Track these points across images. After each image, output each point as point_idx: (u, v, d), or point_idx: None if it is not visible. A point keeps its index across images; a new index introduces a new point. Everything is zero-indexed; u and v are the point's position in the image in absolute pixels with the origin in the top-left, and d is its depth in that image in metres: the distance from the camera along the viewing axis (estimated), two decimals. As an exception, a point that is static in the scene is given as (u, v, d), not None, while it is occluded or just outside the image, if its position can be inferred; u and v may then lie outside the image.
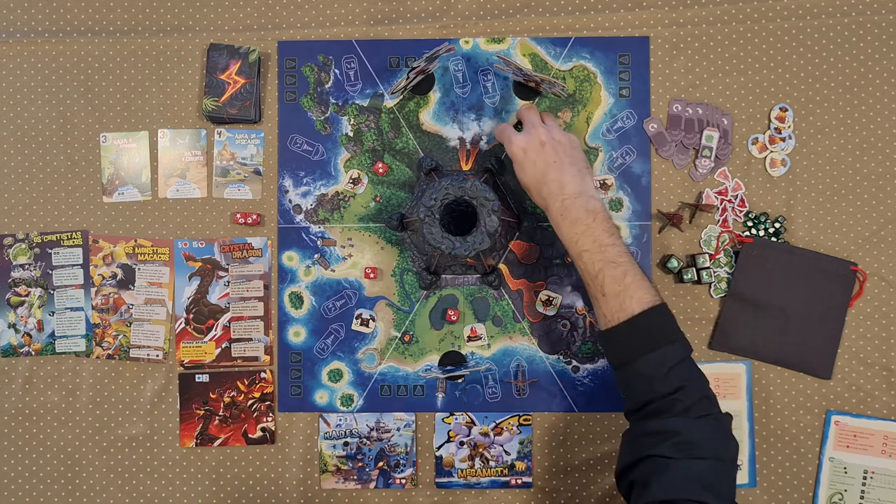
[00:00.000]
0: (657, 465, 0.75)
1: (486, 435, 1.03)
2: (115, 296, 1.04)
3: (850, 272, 1.00)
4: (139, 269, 1.04)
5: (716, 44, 1.04)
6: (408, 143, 1.04)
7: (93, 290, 1.04)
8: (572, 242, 0.86)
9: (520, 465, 1.02)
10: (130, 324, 1.03)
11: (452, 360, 1.03)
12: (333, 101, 1.04)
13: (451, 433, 1.03)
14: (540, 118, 0.94)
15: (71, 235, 1.04)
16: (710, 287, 1.02)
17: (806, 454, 1.01)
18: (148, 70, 1.05)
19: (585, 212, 0.86)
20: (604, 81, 1.04)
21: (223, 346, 1.03)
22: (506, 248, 1.03)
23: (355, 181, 1.04)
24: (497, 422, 1.02)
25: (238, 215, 1.03)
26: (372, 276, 1.03)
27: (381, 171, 1.04)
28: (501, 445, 1.02)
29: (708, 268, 1.01)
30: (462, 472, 1.02)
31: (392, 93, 1.03)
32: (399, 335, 1.03)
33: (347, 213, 1.04)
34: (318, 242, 1.04)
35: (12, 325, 1.04)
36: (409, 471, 1.02)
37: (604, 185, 1.03)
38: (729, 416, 0.80)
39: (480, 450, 1.02)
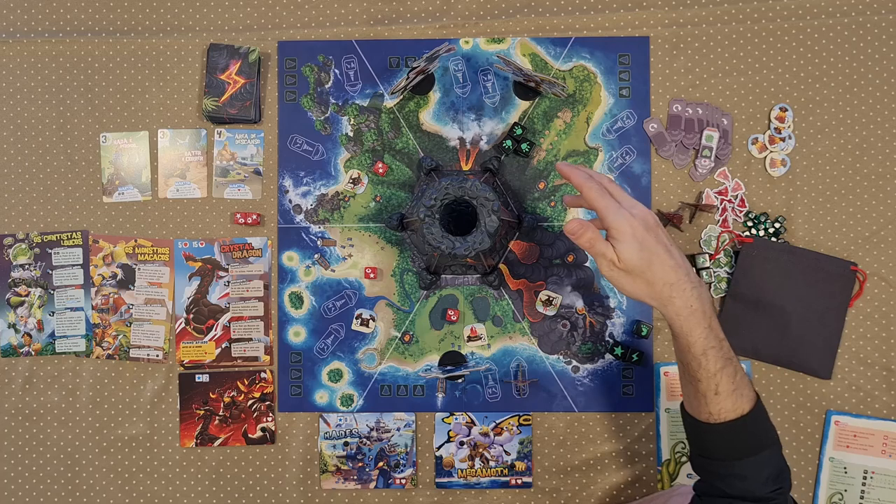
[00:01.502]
0: None
1: (486, 435, 1.03)
2: (115, 296, 1.04)
3: (850, 272, 1.00)
4: (139, 269, 1.04)
5: (716, 44, 1.04)
6: (408, 143, 1.04)
7: (93, 290, 1.04)
8: (699, 338, 0.74)
9: (520, 465, 1.02)
10: (130, 324, 1.03)
11: (452, 360, 1.03)
12: (333, 101, 1.05)
13: (451, 433, 1.03)
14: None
15: (71, 235, 1.04)
16: (710, 287, 1.02)
17: (806, 454, 1.01)
18: (148, 70, 1.05)
19: (709, 303, 0.76)
20: (604, 81, 1.04)
21: (223, 346, 1.03)
22: (506, 248, 1.03)
23: (355, 181, 1.04)
24: (497, 422, 1.02)
25: (238, 215, 1.03)
26: (372, 276, 1.03)
27: (381, 171, 1.04)
28: (501, 445, 1.02)
29: (708, 268, 1.01)
30: (462, 472, 1.02)
31: (392, 93, 1.03)
32: (399, 335, 1.03)
33: (347, 213, 1.04)
34: (318, 242, 1.04)
35: (12, 325, 1.04)
36: (409, 471, 1.02)
37: (604, 185, 1.03)
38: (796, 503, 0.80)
39: (480, 450, 1.02)
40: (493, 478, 1.02)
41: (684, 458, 1.01)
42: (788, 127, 1.02)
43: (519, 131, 1.02)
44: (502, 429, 1.02)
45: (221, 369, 1.03)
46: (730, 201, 1.02)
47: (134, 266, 1.04)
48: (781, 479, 0.77)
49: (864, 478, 0.99)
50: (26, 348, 1.04)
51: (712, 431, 0.76)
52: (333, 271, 1.04)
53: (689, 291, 0.74)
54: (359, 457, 1.03)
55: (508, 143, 1.02)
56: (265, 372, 1.03)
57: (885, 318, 1.01)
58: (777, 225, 1.01)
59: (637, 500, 1.00)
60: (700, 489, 0.80)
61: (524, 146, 1.02)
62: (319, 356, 1.03)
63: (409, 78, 0.99)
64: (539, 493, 1.02)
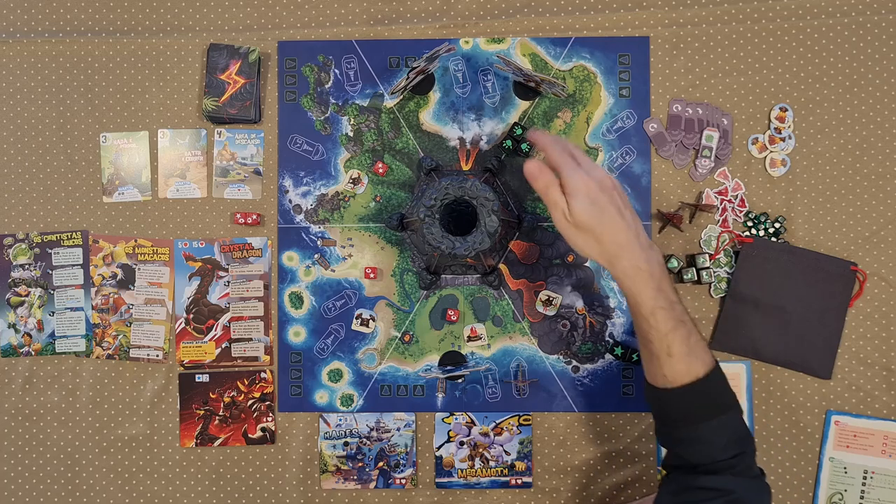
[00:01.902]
0: None
1: (486, 435, 1.03)
2: (115, 296, 1.04)
3: (850, 272, 1.00)
4: (139, 269, 1.04)
5: (716, 44, 1.04)
6: (408, 143, 1.04)
7: (93, 290, 1.04)
8: (647, 298, 0.77)
9: (520, 465, 1.02)
10: (130, 324, 1.03)
11: (452, 360, 1.03)
12: (333, 101, 1.05)
13: (451, 433, 1.03)
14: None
15: (71, 235, 1.04)
16: (710, 287, 1.02)
17: (806, 454, 1.01)
18: (148, 70, 1.05)
19: (658, 264, 0.79)
20: (604, 81, 1.04)
21: (223, 346, 1.03)
22: (506, 248, 1.03)
23: (355, 181, 1.04)
24: (497, 422, 1.02)
25: (238, 215, 1.03)
26: (372, 276, 1.03)
27: (381, 171, 1.04)
28: (501, 445, 1.02)
29: (708, 268, 1.01)
30: (462, 472, 1.02)
31: (392, 93, 1.03)
32: (399, 335, 1.03)
33: (347, 213, 1.04)
34: (318, 242, 1.04)
35: (12, 325, 1.04)
36: (409, 471, 1.02)
37: (604, 185, 1.03)
38: (763, 472, 0.81)
39: (480, 450, 1.02)
40: (493, 478, 1.02)
41: (684, 458, 1.01)
42: (788, 127, 1.02)
43: (519, 131, 1.02)
44: (502, 429, 1.02)
45: (221, 369, 1.03)
46: (730, 201, 1.02)
47: (134, 266, 1.04)
48: (743, 443, 0.78)
49: (864, 478, 0.99)
50: (26, 348, 1.04)
51: (669, 397, 0.78)
52: (333, 271, 1.04)
53: (638, 253, 0.78)
54: (359, 457, 1.03)
55: (508, 143, 1.02)
56: (265, 372, 1.03)
57: (885, 318, 1.01)
58: (777, 225, 1.01)
59: (637, 500, 1.00)
60: (667, 463, 0.82)
61: (524, 146, 1.02)
62: (319, 356, 1.03)
63: (409, 78, 0.99)
64: (539, 493, 1.02)
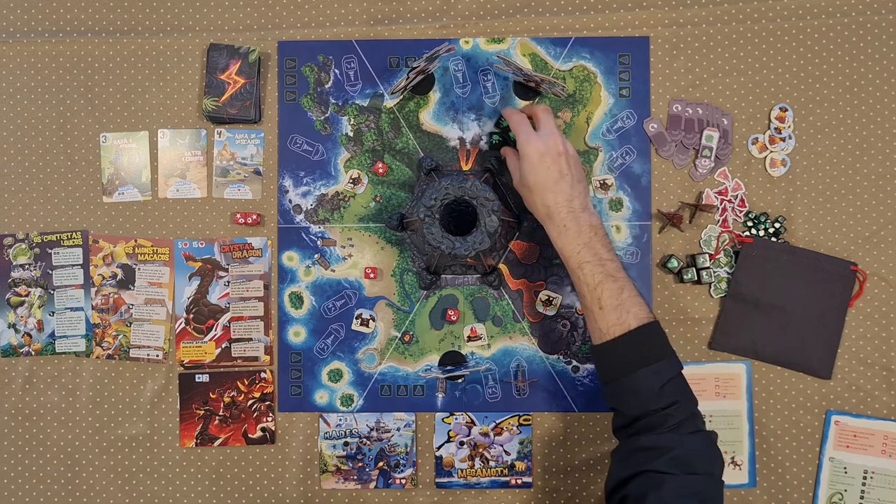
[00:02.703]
0: (653, 480, 0.76)
1: (486, 435, 1.03)
2: (115, 296, 1.04)
3: (850, 272, 1.00)
4: (139, 269, 1.04)
5: (716, 44, 1.04)
6: (408, 143, 1.04)
7: (93, 290, 1.04)
8: (573, 253, 0.86)
9: (520, 465, 1.02)
10: (130, 324, 1.03)
11: (452, 360, 1.03)
12: (333, 101, 1.05)
13: (451, 433, 1.03)
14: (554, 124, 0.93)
15: (71, 235, 1.04)
16: (710, 287, 1.02)
17: (806, 454, 1.01)
18: (148, 70, 1.05)
19: (589, 226, 0.87)
20: (604, 81, 1.04)
21: (223, 346, 1.03)
22: (506, 248, 1.03)
23: (355, 181, 1.04)
24: (497, 422, 1.02)
25: (238, 215, 1.03)
26: (372, 276, 1.03)
27: (381, 171, 1.04)
28: (501, 445, 1.02)
29: (708, 268, 1.01)
30: (462, 472, 1.02)
31: (392, 93, 1.03)
32: (399, 335, 1.03)
33: (347, 213, 1.04)
34: (318, 242, 1.04)
35: (12, 325, 1.04)
36: (409, 471, 1.02)
37: (604, 185, 1.03)
38: (715, 433, 0.82)
39: (480, 450, 1.02)
40: (493, 478, 1.02)
41: (684, 458, 1.01)
42: (788, 127, 1.02)
43: (505, 123, 1.02)
44: (502, 429, 1.02)
45: (221, 369, 1.03)
46: (730, 201, 1.02)
47: (134, 266, 1.04)
48: (677, 392, 0.81)
49: (864, 478, 0.99)
50: (26, 348, 1.04)
51: (605, 350, 0.84)
52: (333, 271, 1.04)
53: (564, 215, 0.87)
54: (359, 457, 1.03)
55: (496, 137, 1.02)
56: (265, 372, 1.03)
57: (885, 318, 1.01)
58: (777, 225, 1.01)
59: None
60: (614, 427, 0.86)
61: (511, 134, 1.01)
62: (319, 356, 1.03)
63: (409, 78, 0.99)
64: (539, 493, 1.02)
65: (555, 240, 0.88)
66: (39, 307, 1.04)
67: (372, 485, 1.02)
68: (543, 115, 0.92)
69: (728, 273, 1.02)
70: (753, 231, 1.02)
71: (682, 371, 0.83)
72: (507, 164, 0.94)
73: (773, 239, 1.01)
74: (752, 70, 1.03)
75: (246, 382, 1.03)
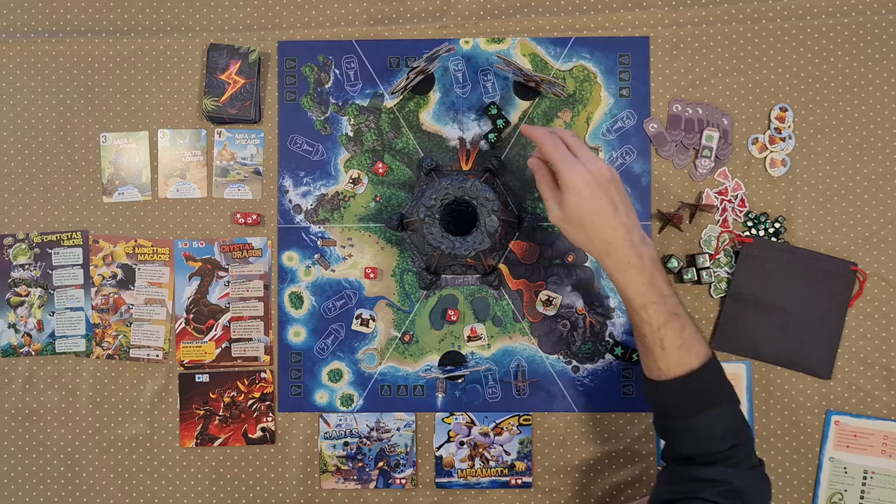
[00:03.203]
0: None
1: (486, 435, 1.03)
2: (115, 296, 1.04)
3: (850, 272, 1.00)
4: (139, 269, 1.04)
5: (716, 44, 1.04)
6: (408, 143, 1.04)
7: (93, 290, 1.04)
8: (637, 294, 0.78)
9: (520, 465, 1.02)
10: (130, 324, 1.03)
11: (452, 360, 1.03)
12: (333, 101, 1.05)
13: (451, 433, 1.03)
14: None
15: (71, 235, 1.04)
16: (710, 287, 1.02)
17: (806, 454, 1.01)
18: (148, 70, 1.05)
19: (651, 260, 0.79)
20: (604, 81, 1.04)
21: (223, 346, 1.03)
22: (506, 248, 1.03)
23: (355, 181, 1.04)
24: (497, 422, 1.02)
25: (238, 215, 1.03)
26: (372, 276, 1.03)
27: (381, 171, 1.04)
28: (501, 445, 1.02)
29: (708, 268, 1.01)
30: (462, 472, 1.02)
31: (392, 93, 1.03)
32: (399, 335, 1.03)
33: (347, 213, 1.04)
34: (318, 242, 1.04)
35: (12, 325, 1.04)
36: (409, 471, 1.02)
37: (604, 185, 1.03)
38: (763, 462, 0.81)
39: (480, 450, 1.02)
40: (493, 478, 1.02)
41: (684, 458, 1.01)
42: (788, 127, 1.02)
43: (494, 110, 1.02)
44: (502, 429, 1.02)
45: (221, 369, 1.03)
46: (730, 201, 1.02)
47: (134, 266, 1.04)
48: (739, 435, 0.78)
49: (864, 478, 0.99)
50: (26, 348, 1.04)
51: (664, 389, 0.79)
52: (333, 271, 1.04)
53: (627, 250, 0.78)
54: (359, 457, 1.03)
55: (492, 136, 1.02)
56: (265, 372, 1.03)
57: (885, 318, 1.01)
58: (777, 225, 1.01)
59: (637, 500, 1.00)
60: (665, 454, 0.82)
61: (499, 122, 1.01)
62: (319, 356, 1.03)
63: (409, 78, 0.99)
64: (539, 493, 1.02)
65: (616, 278, 0.80)
66: (39, 307, 1.04)
67: (372, 485, 1.02)
68: (574, 140, 0.82)
69: (728, 273, 1.02)
70: (753, 231, 1.02)
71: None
72: (542, 195, 0.83)
73: (773, 239, 1.01)
74: (752, 70, 1.03)
75: (246, 382, 1.03)
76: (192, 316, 1.03)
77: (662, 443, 0.99)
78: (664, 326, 0.77)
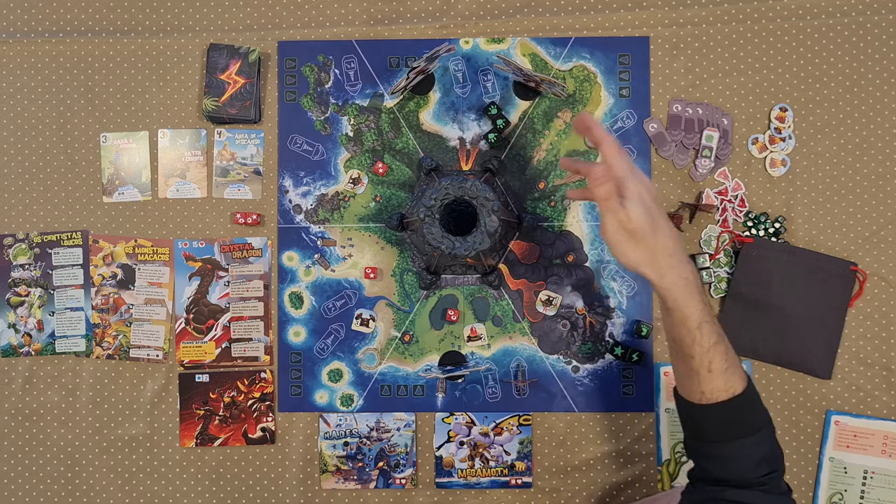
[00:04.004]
0: None
1: (486, 435, 1.03)
2: (115, 296, 1.04)
3: (850, 272, 1.00)
4: (139, 269, 1.04)
5: (716, 44, 1.04)
6: (408, 143, 1.04)
7: (93, 290, 1.04)
8: (696, 311, 0.73)
9: (520, 465, 1.02)
10: (130, 324, 1.03)
11: (452, 360, 1.03)
12: (333, 101, 1.05)
13: (451, 433, 1.03)
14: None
15: (71, 235, 1.04)
16: (710, 287, 1.02)
17: (806, 454, 1.01)
18: (148, 70, 1.05)
19: (698, 279, 0.75)
20: (604, 81, 1.04)
21: (223, 346, 1.03)
22: (506, 248, 1.03)
23: (355, 181, 1.04)
24: (497, 422, 1.02)
25: (238, 215, 1.03)
26: (372, 276, 1.03)
27: (381, 171, 1.04)
28: (501, 445, 1.02)
29: (708, 268, 1.01)
30: (462, 472, 1.02)
31: (392, 93, 1.03)
32: (399, 335, 1.03)
33: (347, 213, 1.04)
34: (318, 242, 1.04)
35: (12, 325, 1.04)
36: (409, 471, 1.02)
37: (604, 185, 1.03)
38: (791, 490, 0.79)
39: (480, 450, 1.02)
40: (493, 478, 1.02)
41: (684, 458, 1.01)
42: (788, 127, 1.02)
43: (494, 110, 1.02)
44: (502, 429, 1.02)
45: (221, 369, 1.03)
46: (730, 201, 1.02)
47: (134, 266, 1.04)
48: (774, 462, 0.76)
49: (864, 478, 0.99)
50: (26, 348, 1.04)
51: (705, 413, 0.76)
52: (333, 271, 1.04)
53: (686, 263, 0.74)
54: (359, 457, 1.03)
55: (493, 136, 1.02)
56: (265, 372, 1.03)
57: (885, 318, 1.01)
58: (777, 225, 1.01)
59: (637, 500, 1.00)
60: (693, 475, 0.80)
61: (499, 122, 1.01)
62: (319, 356, 1.03)
63: (409, 78, 0.99)
64: (539, 493, 1.02)
65: (675, 295, 0.74)
66: (39, 307, 1.04)
67: (372, 485, 1.02)
68: (611, 150, 0.75)
69: (728, 273, 1.02)
70: (753, 231, 1.02)
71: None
72: (604, 207, 0.74)
73: (773, 239, 1.01)
74: (752, 70, 1.03)
75: (246, 382, 1.03)
76: (192, 316, 1.03)
77: (661, 444, 0.99)
78: (714, 348, 0.74)
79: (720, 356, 0.74)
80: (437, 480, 1.02)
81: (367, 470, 1.02)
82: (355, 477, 1.03)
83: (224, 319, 1.03)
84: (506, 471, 1.02)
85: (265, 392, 1.03)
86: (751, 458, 0.75)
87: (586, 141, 1.04)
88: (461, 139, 1.04)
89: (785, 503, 0.77)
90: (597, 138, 0.76)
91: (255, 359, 1.03)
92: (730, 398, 0.74)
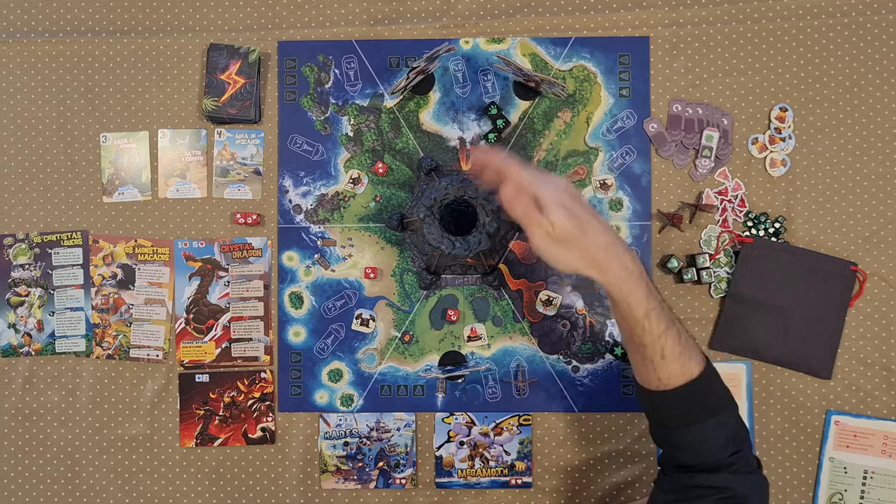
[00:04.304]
0: None
1: (486, 435, 1.03)
2: (115, 296, 1.04)
3: (850, 272, 1.00)
4: (139, 269, 1.04)
5: (716, 44, 1.04)
6: (408, 143, 1.04)
7: (93, 290, 1.04)
8: (641, 299, 0.73)
9: (520, 465, 1.02)
10: (130, 324, 1.03)
11: (452, 360, 1.03)
12: (333, 101, 1.05)
13: (451, 433, 1.03)
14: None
15: (71, 235, 1.04)
16: (710, 287, 1.02)
17: (806, 454, 1.01)
18: (148, 70, 1.05)
19: (641, 264, 0.75)
20: (604, 81, 1.04)
21: (223, 346, 1.03)
22: (506, 248, 1.03)
23: (355, 181, 1.04)
24: (497, 422, 1.02)
25: (238, 215, 1.03)
26: (372, 276, 1.03)
27: (381, 171, 1.04)
28: (501, 445, 1.02)
29: (708, 268, 1.01)
30: (462, 472, 1.02)
31: (392, 93, 1.03)
32: (399, 335, 1.03)
33: (347, 213, 1.04)
34: (318, 242, 1.04)
35: (12, 325, 1.04)
36: (409, 471, 1.02)
37: (604, 185, 1.03)
38: (760, 463, 0.79)
39: (480, 450, 1.02)
40: (493, 478, 1.02)
41: (684, 458, 1.01)
42: (788, 127, 1.02)
43: (494, 110, 1.02)
44: (502, 429, 1.02)
45: (221, 369, 1.03)
46: (730, 201, 1.02)
47: (134, 266, 1.04)
48: (740, 441, 0.76)
49: (864, 478, 0.99)
50: (26, 348, 1.04)
51: (663, 399, 0.76)
52: (333, 271, 1.04)
53: (624, 254, 0.73)
54: (359, 457, 1.03)
55: (492, 136, 1.02)
56: (265, 372, 1.03)
57: (885, 318, 1.01)
58: (777, 225, 1.01)
59: (637, 500, 1.00)
60: (662, 461, 0.81)
61: (499, 122, 1.01)
62: (319, 356, 1.03)
63: (409, 78, 0.99)
64: (539, 493, 1.02)
65: (619, 289, 0.73)
66: (39, 307, 1.04)
67: (372, 485, 1.02)
68: (511, 167, 0.75)
69: (728, 273, 1.02)
70: (753, 231, 1.02)
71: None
72: (526, 222, 0.74)
73: (773, 239, 1.01)
74: (752, 70, 1.03)
75: (246, 382, 1.03)
76: (192, 316, 1.03)
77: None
78: (664, 334, 0.74)
79: (672, 341, 0.74)
80: (437, 480, 1.02)
81: (367, 470, 1.02)
82: (355, 477, 1.03)
83: (224, 319, 1.03)
84: (506, 471, 1.02)
85: (265, 392, 1.03)
86: (715, 440, 0.75)
87: (586, 141, 1.04)
88: (461, 139, 1.04)
89: (755, 481, 0.77)
90: (495, 166, 0.76)
91: (255, 359, 1.03)
92: (686, 382, 0.74)
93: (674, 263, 1.00)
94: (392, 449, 1.03)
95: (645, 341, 0.74)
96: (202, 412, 1.03)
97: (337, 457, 1.03)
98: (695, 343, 0.77)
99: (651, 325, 0.74)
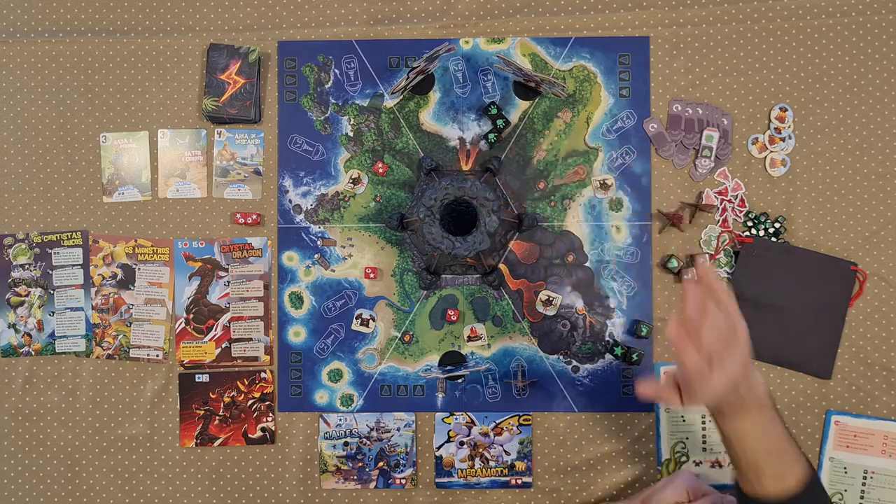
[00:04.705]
0: None
1: (486, 435, 1.03)
2: (115, 296, 1.04)
3: (850, 272, 1.00)
4: (139, 269, 1.04)
5: (716, 44, 1.04)
6: (408, 143, 1.04)
7: (93, 290, 1.04)
8: (779, 439, 0.73)
9: (520, 465, 1.02)
10: (130, 324, 1.03)
11: (452, 360, 1.03)
12: (333, 101, 1.05)
13: (451, 433, 1.03)
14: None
15: (71, 235, 1.04)
16: (710, 287, 1.02)
17: (806, 454, 1.00)
18: (148, 70, 1.05)
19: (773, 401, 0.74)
20: (604, 81, 1.04)
21: (223, 346, 1.03)
22: (506, 248, 1.03)
23: (355, 181, 1.04)
24: (497, 422, 1.02)
25: (238, 215, 1.03)
26: (372, 276, 1.03)
27: (381, 171, 1.04)
28: (501, 445, 1.02)
29: (708, 268, 1.01)
30: (462, 472, 1.02)
31: (392, 93, 1.03)
32: (399, 335, 1.03)
33: (347, 213, 1.04)
34: (318, 242, 1.04)
35: (12, 325, 1.04)
36: (409, 471, 1.02)
37: (604, 185, 1.03)
38: None
39: (480, 450, 1.02)
40: (493, 478, 1.02)
41: (684, 458, 1.01)
42: (788, 127, 1.02)
43: (494, 110, 1.02)
44: (502, 429, 1.02)
45: (221, 369, 1.03)
46: (730, 201, 1.02)
47: (134, 266, 1.04)
48: None
49: (864, 478, 0.99)
50: (26, 348, 1.04)
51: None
52: (333, 271, 1.04)
53: (767, 392, 0.73)
54: (359, 457, 1.03)
55: (493, 136, 1.02)
56: (265, 372, 1.03)
57: (885, 318, 1.01)
58: (777, 225, 1.01)
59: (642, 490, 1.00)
60: None
61: (499, 122, 1.01)
62: (319, 356, 1.03)
63: (409, 78, 0.99)
64: (539, 493, 1.02)
65: (766, 429, 0.72)
66: (39, 307, 1.04)
67: (372, 485, 1.02)
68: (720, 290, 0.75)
69: (728, 273, 1.02)
70: (753, 231, 1.02)
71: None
72: (724, 363, 0.73)
73: (773, 239, 1.01)
74: (752, 70, 1.03)
75: (246, 382, 1.03)
76: (192, 316, 1.03)
77: (664, 450, 0.99)
78: (766, 458, 0.72)
79: (773, 462, 0.72)
80: (437, 480, 1.02)
81: (367, 470, 1.02)
82: (355, 477, 1.03)
83: (224, 319, 1.03)
84: (506, 471, 1.02)
85: (265, 392, 1.03)
86: None
87: (586, 141, 1.03)
88: (461, 139, 1.04)
89: None
90: (719, 293, 0.75)
91: (255, 359, 1.03)
92: (786, 496, 0.72)
93: (674, 263, 1.00)
94: (392, 449, 1.03)
95: (740, 465, 0.74)
96: (202, 412, 1.03)
97: (337, 457, 1.03)
98: (798, 455, 0.74)
99: (754, 456, 0.72)
